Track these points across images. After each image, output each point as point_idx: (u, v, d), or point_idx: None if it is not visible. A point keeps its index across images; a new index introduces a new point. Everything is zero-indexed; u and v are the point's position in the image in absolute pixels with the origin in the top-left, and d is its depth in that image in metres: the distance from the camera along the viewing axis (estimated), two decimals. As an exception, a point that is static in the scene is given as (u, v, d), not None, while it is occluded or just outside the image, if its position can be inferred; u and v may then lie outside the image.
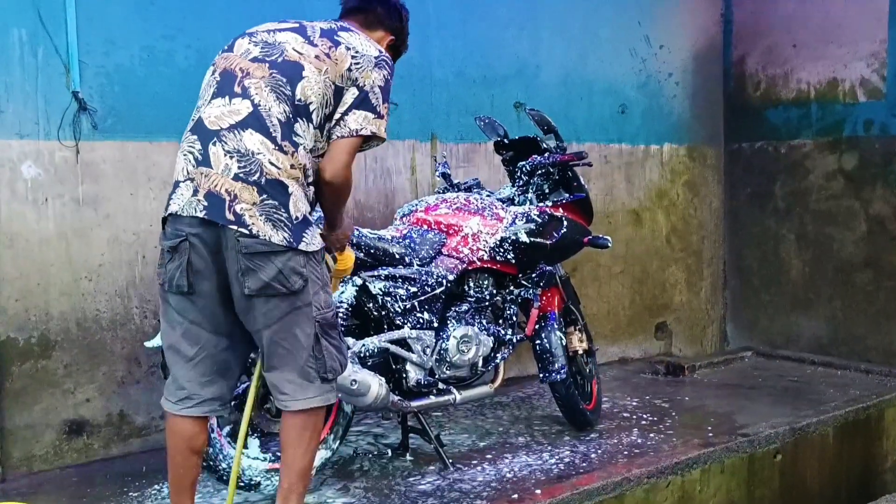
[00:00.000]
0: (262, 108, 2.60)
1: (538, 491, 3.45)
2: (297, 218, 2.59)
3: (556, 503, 3.35)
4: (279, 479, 2.78)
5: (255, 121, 2.59)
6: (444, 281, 3.76)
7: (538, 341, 4.12)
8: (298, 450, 2.73)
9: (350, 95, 2.71)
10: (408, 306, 3.66)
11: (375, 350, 3.59)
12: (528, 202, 4.10)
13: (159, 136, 4.12)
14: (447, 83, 5.04)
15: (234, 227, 2.52)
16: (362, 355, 3.56)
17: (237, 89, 2.63)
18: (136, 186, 4.07)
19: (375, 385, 3.49)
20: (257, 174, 2.55)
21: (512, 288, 4.03)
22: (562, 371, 4.08)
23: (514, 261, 3.94)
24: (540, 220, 3.96)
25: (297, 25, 2.79)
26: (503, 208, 3.99)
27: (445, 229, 3.87)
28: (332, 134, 2.70)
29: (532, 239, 3.91)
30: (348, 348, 3.19)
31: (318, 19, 2.90)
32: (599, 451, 3.99)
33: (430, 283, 3.72)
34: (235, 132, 2.58)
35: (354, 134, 2.69)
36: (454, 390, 3.79)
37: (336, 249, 3.00)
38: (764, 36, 6.30)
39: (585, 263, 5.60)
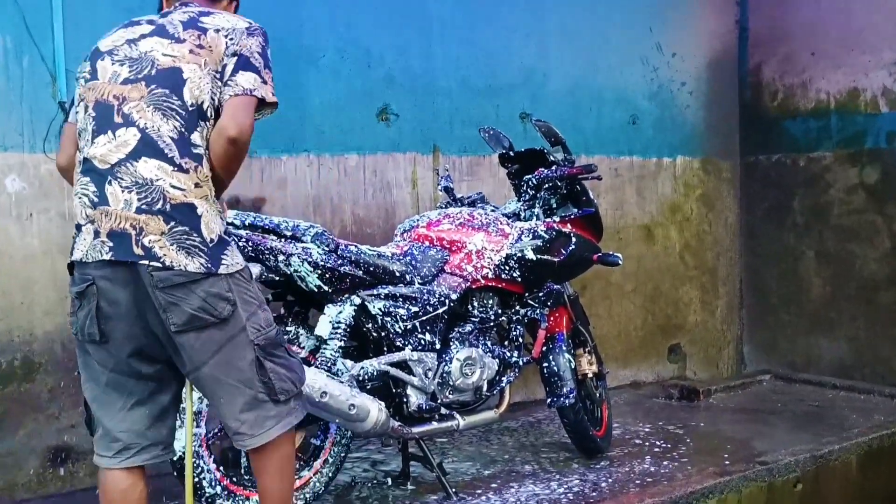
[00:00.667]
0: (151, 131, 2.48)
1: (546, 522, 3.46)
2: (211, 240, 2.50)
3: (565, 535, 3.36)
4: None
5: (145, 147, 2.48)
6: (447, 300, 3.76)
7: (546, 364, 4.12)
8: (274, 483, 2.67)
9: (231, 63, 2.59)
10: (409, 327, 3.66)
11: (375, 373, 3.59)
12: (534, 217, 4.11)
13: (149, 149, 4.13)
14: (450, 92, 5.06)
15: (146, 262, 2.42)
16: (361, 378, 3.56)
17: (118, 119, 2.51)
18: (124, 201, 4.08)
19: (375, 410, 3.49)
20: (160, 202, 2.45)
21: (518, 308, 4.03)
22: (570, 395, 4.08)
23: (520, 279, 3.94)
24: (547, 237, 3.97)
25: (154, 27, 2.63)
26: (508, 224, 3.99)
27: (448, 246, 3.87)
28: (224, 96, 2.57)
29: (539, 256, 3.91)
30: (303, 360, 3.14)
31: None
32: (610, 480, 3.98)
33: (432, 302, 3.72)
34: (128, 165, 2.46)
35: (249, 93, 2.58)
36: (457, 416, 3.79)
37: None
38: (781, 43, 6.33)
39: (595, 282, 5.60)
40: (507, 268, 3.88)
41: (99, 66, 2.61)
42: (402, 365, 3.67)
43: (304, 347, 3.50)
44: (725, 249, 6.50)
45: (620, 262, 4.24)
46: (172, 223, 2.44)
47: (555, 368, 4.10)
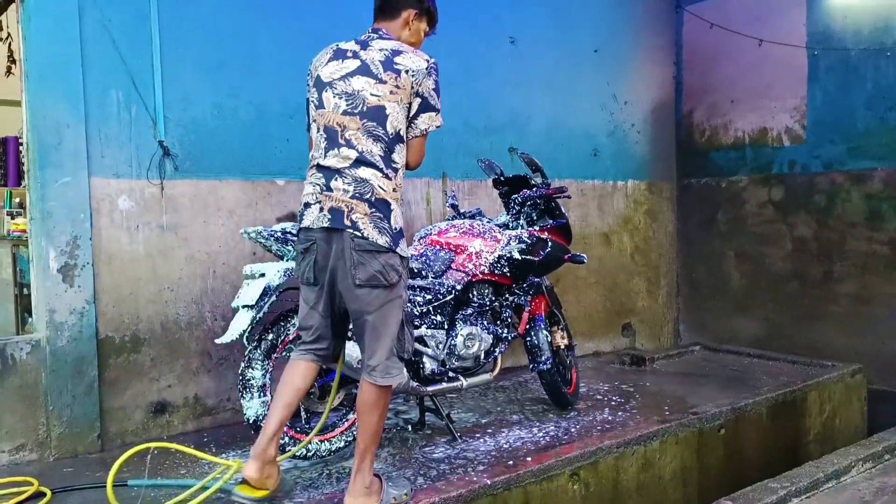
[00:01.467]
0: (367, 153, 2.75)
1: (529, 458, 3.46)
2: (395, 229, 2.76)
3: (543, 468, 3.36)
4: (356, 440, 2.84)
5: (363, 161, 2.75)
6: (453, 290, 3.77)
7: (528, 338, 4.13)
8: (373, 416, 2.80)
9: (416, 104, 2.82)
10: (424, 310, 3.68)
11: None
12: (519, 227, 4.11)
13: (226, 176, 4.16)
14: (455, 131, 5.06)
15: (351, 231, 2.70)
16: (388, 350, 3.57)
17: (341, 141, 2.77)
18: (207, 216, 4.11)
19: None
20: (369, 194, 2.73)
21: (507, 295, 4.03)
22: (547, 362, 4.09)
23: (509, 274, 3.95)
24: (529, 242, 3.97)
25: (360, 64, 2.82)
26: (500, 232, 4.00)
27: (454, 249, 3.88)
28: (408, 134, 2.85)
29: (523, 256, 3.92)
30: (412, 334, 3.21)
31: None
32: (578, 427, 3.99)
33: (441, 292, 3.73)
34: (351, 169, 2.74)
35: (423, 133, 2.86)
36: (461, 378, 3.79)
37: None
38: (708, 94, 6.32)
39: (566, 276, 5.60)
40: (499, 265, 3.89)
41: (324, 97, 2.84)
42: (420, 339, 3.68)
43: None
44: (666, 251, 6.50)
45: (585, 261, 4.25)
46: (373, 210, 2.72)
47: (535, 342, 4.11)
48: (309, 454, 3.40)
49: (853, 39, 5.43)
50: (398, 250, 2.74)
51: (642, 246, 6.31)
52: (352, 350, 3.27)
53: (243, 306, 3.26)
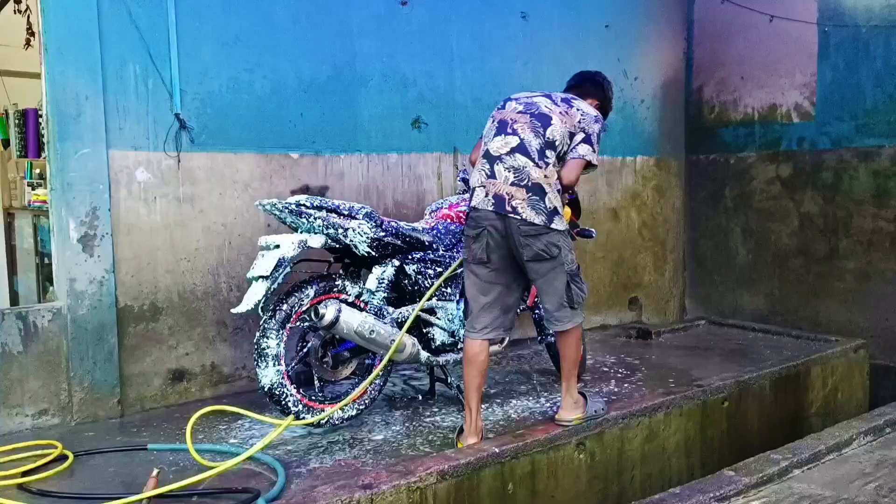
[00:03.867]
0: (526, 141, 3.19)
1: (536, 428, 3.47)
2: (550, 209, 3.17)
3: (550, 438, 3.38)
4: (561, 370, 3.42)
5: (521, 149, 3.18)
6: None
7: (536, 311, 4.14)
8: (568, 351, 3.37)
9: (579, 136, 3.27)
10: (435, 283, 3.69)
11: (409, 317, 3.62)
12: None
13: (242, 149, 4.16)
14: (466, 107, 5.04)
15: (513, 216, 3.13)
16: (399, 321, 3.59)
17: (509, 130, 3.24)
18: (223, 188, 4.12)
19: (409, 344, 3.53)
20: (525, 180, 3.14)
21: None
22: (554, 335, 4.09)
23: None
24: (539, 216, 3.96)
25: (543, 95, 3.36)
26: (510, 206, 3.98)
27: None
28: (566, 156, 3.26)
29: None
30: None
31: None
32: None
33: (452, 264, 3.73)
34: (510, 156, 3.18)
35: (581, 157, 3.26)
36: (471, 349, 3.81)
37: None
38: (718, 70, 6.25)
39: (574, 250, 5.57)
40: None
41: (507, 105, 3.38)
42: (430, 311, 3.69)
43: (350, 294, 3.52)
44: (673, 226, 6.47)
45: (595, 235, 4.24)
46: (530, 194, 3.14)
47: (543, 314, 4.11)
48: (322, 422, 3.44)
49: (864, 16, 5.35)
50: (553, 226, 3.16)
51: (649, 221, 6.29)
52: (351, 318, 3.30)
53: (258, 277, 3.28)
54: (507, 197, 3.13)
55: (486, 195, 3.18)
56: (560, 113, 3.26)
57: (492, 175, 3.19)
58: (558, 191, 3.22)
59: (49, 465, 3.08)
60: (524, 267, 3.24)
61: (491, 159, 3.21)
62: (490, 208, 3.16)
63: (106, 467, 3.12)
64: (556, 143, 3.21)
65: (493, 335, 3.32)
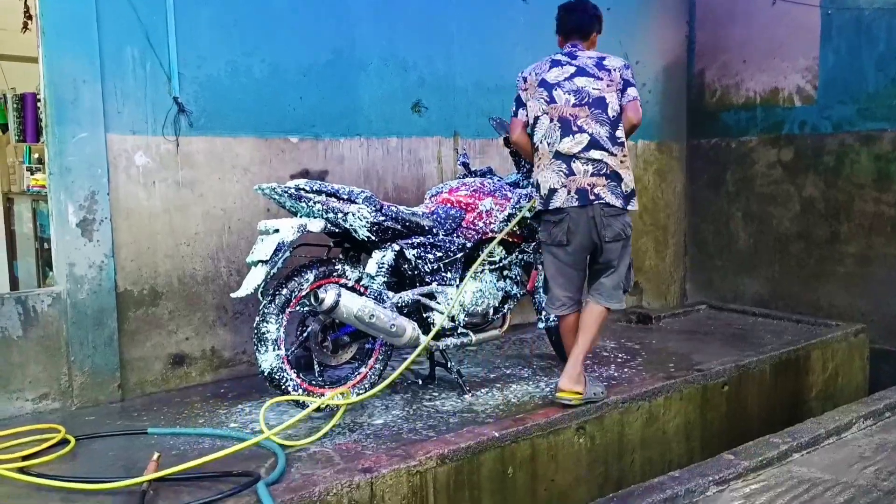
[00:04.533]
0: (596, 135, 3.38)
1: (536, 412, 3.48)
2: (627, 192, 3.41)
3: (550, 422, 3.38)
4: (577, 342, 3.50)
5: (594, 143, 3.37)
6: (464, 248, 3.76)
7: (536, 295, 4.12)
8: (594, 329, 3.50)
9: (624, 84, 3.47)
10: (435, 267, 3.68)
11: (410, 301, 3.61)
12: (529, 186, 4.08)
13: (241, 133, 4.14)
14: (467, 91, 5.01)
15: (597, 202, 3.35)
16: (399, 305, 3.58)
17: (575, 128, 3.39)
18: (222, 172, 4.10)
19: (409, 329, 3.52)
20: (603, 169, 3.36)
21: (517, 253, 4.03)
22: (555, 319, 4.09)
23: (519, 232, 3.93)
24: (540, 200, 3.95)
25: (576, 69, 3.47)
26: (510, 190, 3.97)
27: (465, 207, 3.86)
28: (623, 101, 3.46)
29: (533, 214, 3.89)
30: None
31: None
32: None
33: (452, 249, 3.72)
34: (586, 152, 3.37)
35: (635, 98, 3.48)
36: (471, 333, 3.81)
37: None
38: (720, 53, 6.21)
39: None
40: (509, 223, 3.86)
41: (555, 94, 3.46)
42: (430, 295, 3.68)
43: (350, 279, 3.51)
44: (674, 211, 6.45)
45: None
46: (609, 181, 3.37)
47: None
48: (322, 406, 3.43)
49: (868, -1, 5.31)
50: (630, 208, 3.41)
51: (650, 205, 6.26)
52: (350, 302, 3.28)
53: (258, 261, 3.26)
54: (589, 187, 3.35)
55: (569, 193, 3.37)
56: (606, 84, 3.44)
57: (571, 173, 3.38)
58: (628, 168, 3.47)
59: (50, 450, 3.08)
60: (602, 248, 3.44)
61: (566, 158, 3.39)
62: (575, 205, 3.36)
63: (107, 451, 3.13)
64: (617, 111, 3.43)
65: (570, 311, 3.57)
